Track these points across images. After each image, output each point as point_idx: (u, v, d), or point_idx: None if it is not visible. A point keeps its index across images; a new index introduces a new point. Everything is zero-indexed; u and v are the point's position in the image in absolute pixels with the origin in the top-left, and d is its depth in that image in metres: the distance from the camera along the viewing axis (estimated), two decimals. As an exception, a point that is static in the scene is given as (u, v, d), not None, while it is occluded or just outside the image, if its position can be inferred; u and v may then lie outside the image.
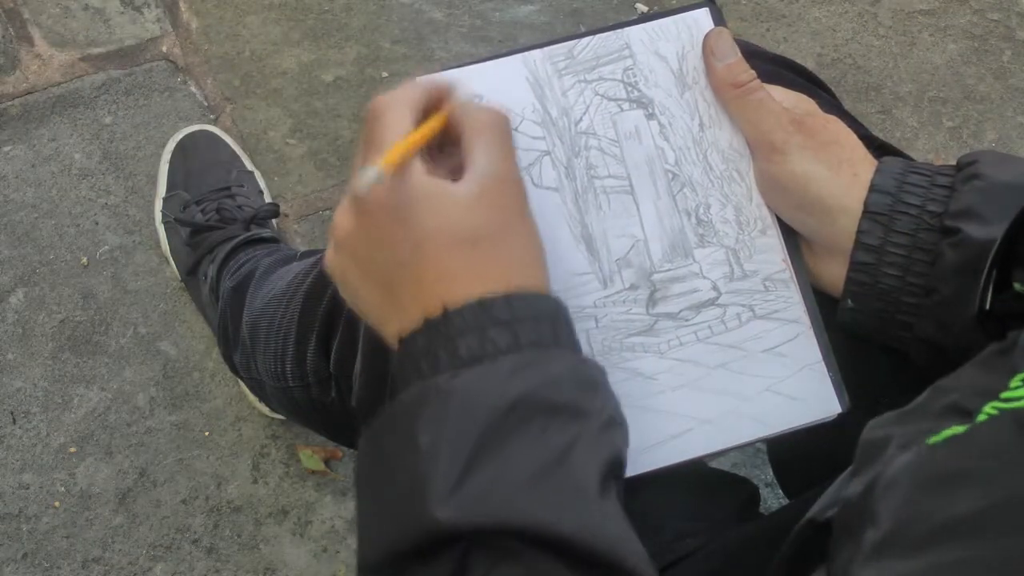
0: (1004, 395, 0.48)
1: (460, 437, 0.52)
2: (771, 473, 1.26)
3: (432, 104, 0.63)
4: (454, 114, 0.62)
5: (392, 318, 0.60)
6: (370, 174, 0.55)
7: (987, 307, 0.63)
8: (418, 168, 0.59)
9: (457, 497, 0.50)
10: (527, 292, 0.58)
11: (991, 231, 0.62)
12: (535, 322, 0.57)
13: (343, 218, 0.61)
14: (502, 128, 0.62)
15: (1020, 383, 0.48)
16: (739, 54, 0.72)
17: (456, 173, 0.60)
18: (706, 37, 0.73)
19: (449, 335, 0.56)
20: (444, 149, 0.64)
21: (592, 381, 0.57)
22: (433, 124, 0.61)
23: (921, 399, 0.54)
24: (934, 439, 0.47)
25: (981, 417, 0.47)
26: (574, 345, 0.60)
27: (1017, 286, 0.62)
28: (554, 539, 0.49)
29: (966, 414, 0.48)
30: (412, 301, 0.58)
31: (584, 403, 0.55)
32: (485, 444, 0.52)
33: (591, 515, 0.51)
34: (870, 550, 0.45)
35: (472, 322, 0.56)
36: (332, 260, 0.63)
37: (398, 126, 0.59)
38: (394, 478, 0.54)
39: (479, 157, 0.60)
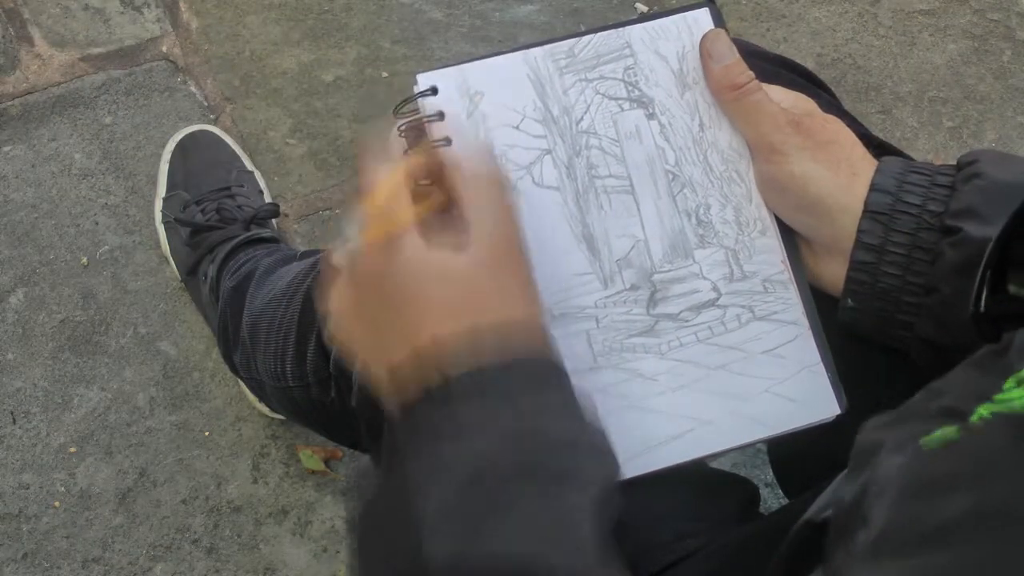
0: (998, 397, 0.47)
1: (461, 507, 0.52)
2: (771, 473, 1.26)
3: (431, 173, 0.63)
4: (452, 184, 0.62)
5: (394, 385, 0.60)
6: (347, 236, 0.56)
7: (982, 309, 0.63)
8: (415, 242, 0.59)
9: (457, 560, 0.51)
10: (526, 358, 0.58)
11: (991, 230, 0.62)
12: (535, 385, 0.57)
13: (339, 297, 0.63)
14: (499, 189, 0.63)
15: (1014, 384, 0.47)
16: (736, 55, 0.72)
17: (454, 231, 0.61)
18: (702, 39, 0.73)
19: (449, 401, 0.56)
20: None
21: (594, 446, 0.57)
22: (433, 202, 0.62)
23: (915, 400, 0.54)
24: (926, 441, 0.47)
25: (974, 419, 0.47)
26: (576, 407, 0.60)
27: (1012, 288, 0.62)
28: None
29: (959, 416, 0.48)
30: (412, 369, 0.58)
31: (586, 469, 0.55)
32: (487, 513, 0.52)
33: (591, 571, 0.51)
34: (862, 552, 0.45)
35: (471, 387, 0.56)
36: (336, 332, 0.64)
37: (391, 199, 0.60)
38: (395, 548, 0.54)
39: (478, 224, 0.60)
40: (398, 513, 0.54)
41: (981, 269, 0.61)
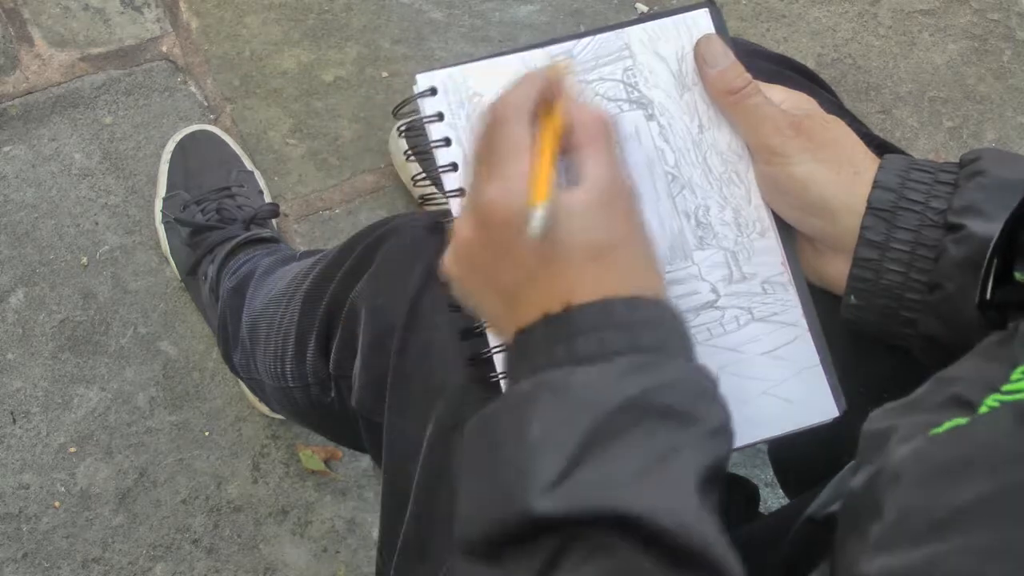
0: (1005, 387, 0.48)
1: (569, 432, 0.52)
2: (771, 473, 1.26)
3: (545, 103, 0.63)
4: (565, 120, 0.62)
5: (513, 321, 0.60)
6: (538, 219, 0.55)
7: (988, 297, 0.63)
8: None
9: (559, 490, 0.50)
10: (649, 298, 0.58)
11: (994, 227, 0.62)
12: (654, 327, 0.57)
13: (464, 228, 0.61)
14: (610, 135, 0.62)
15: (1021, 375, 0.48)
16: (732, 59, 0.72)
17: (568, 176, 0.60)
18: (696, 45, 0.72)
19: (569, 332, 0.56)
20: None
21: (704, 390, 0.57)
22: (554, 144, 0.61)
23: (923, 390, 0.54)
24: (936, 431, 0.48)
25: (983, 409, 0.47)
26: (690, 354, 0.60)
27: (1018, 275, 0.62)
28: (651, 531, 0.49)
29: (968, 406, 0.49)
30: (534, 306, 0.58)
31: (694, 410, 0.55)
32: (593, 441, 0.51)
33: (689, 513, 0.50)
34: (877, 542, 0.45)
35: (592, 322, 0.56)
36: (451, 268, 0.63)
37: (522, 140, 0.59)
38: (500, 464, 0.54)
39: (593, 167, 0.60)
40: (507, 429, 0.55)
41: (988, 257, 0.62)
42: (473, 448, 0.57)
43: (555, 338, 0.56)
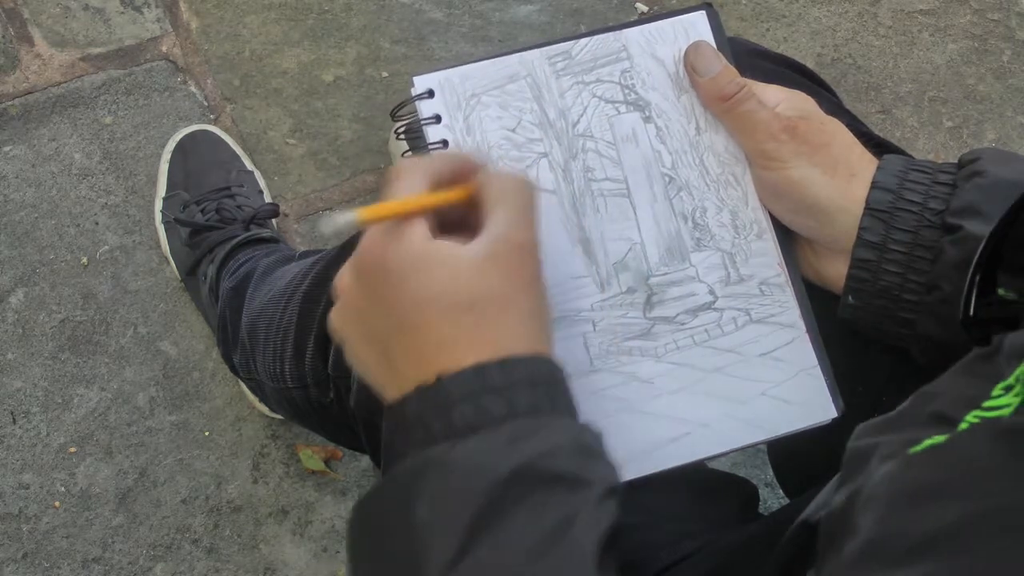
0: (986, 404, 0.47)
1: (458, 511, 0.51)
2: (771, 473, 1.26)
3: (459, 177, 0.61)
4: (478, 183, 0.61)
5: (390, 383, 0.59)
6: (344, 217, 0.55)
7: (971, 312, 0.62)
8: (419, 231, 0.57)
9: (454, 574, 0.49)
10: (522, 356, 0.57)
11: (992, 228, 0.62)
12: (531, 387, 0.56)
13: (345, 279, 0.61)
14: (525, 195, 0.61)
15: (1002, 391, 0.47)
16: (723, 64, 0.71)
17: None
18: (685, 54, 0.72)
19: (444, 403, 0.55)
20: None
21: (591, 449, 0.56)
22: (449, 194, 0.60)
23: (906, 405, 0.54)
24: (915, 449, 0.47)
25: (963, 426, 0.47)
26: (572, 409, 0.59)
27: (1002, 291, 0.62)
28: None
29: (949, 422, 0.48)
30: (408, 367, 0.57)
31: (584, 472, 0.54)
32: (483, 518, 0.50)
33: None
34: (850, 561, 0.45)
35: (467, 389, 0.55)
36: (335, 319, 0.62)
37: (407, 190, 0.59)
38: (390, 552, 0.53)
39: (494, 221, 0.58)
40: (393, 514, 0.54)
41: (971, 273, 0.61)
42: (358, 538, 0.56)
43: (431, 411, 0.55)
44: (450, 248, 0.57)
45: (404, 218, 0.57)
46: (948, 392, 0.52)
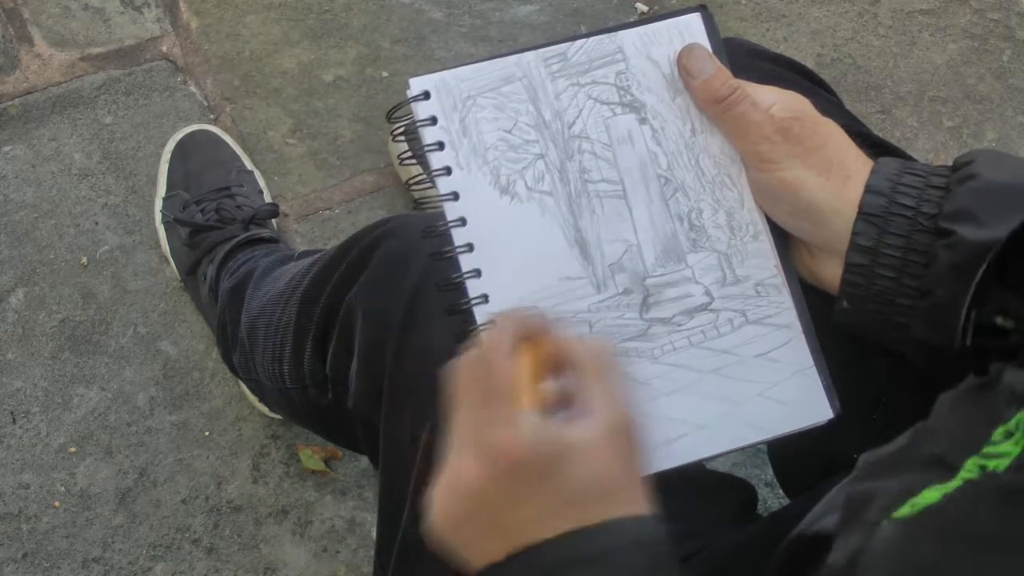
0: (986, 450, 0.47)
1: None
2: (771, 473, 1.26)
3: (530, 334, 0.61)
4: (562, 346, 0.60)
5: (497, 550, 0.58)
6: (530, 418, 0.54)
7: (968, 343, 0.62)
8: (541, 421, 0.57)
9: None
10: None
11: (985, 233, 0.61)
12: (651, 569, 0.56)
13: (467, 468, 0.58)
14: (615, 367, 0.60)
15: (1002, 437, 0.47)
16: (716, 67, 0.71)
17: (559, 405, 0.58)
18: (678, 58, 0.72)
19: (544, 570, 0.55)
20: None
21: None
22: (539, 368, 0.59)
23: (904, 443, 0.53)
24: (914, 505, 0.47)
25: (963, 475, 0.46)
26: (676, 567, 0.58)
27: (1000, 319, 0.62)
28: None
29: (948, 468, 0.48)
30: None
31: None
32: None
33: None
34: None
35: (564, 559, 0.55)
36: (445, 506, 0.59)
37: (517, 377, 0.58)
38: None
39: (600, 401, 0.58)
40: None
41: (966, 306, 0.61)
42: None
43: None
44: (577, 432, 0.56)
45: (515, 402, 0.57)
46: (946, 432, 0.51)
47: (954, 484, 0.46)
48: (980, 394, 0.51)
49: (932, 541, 0.45)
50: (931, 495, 0.46)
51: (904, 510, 0.47)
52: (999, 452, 0.46)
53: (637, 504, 0.57)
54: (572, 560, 0.54)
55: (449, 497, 0.59)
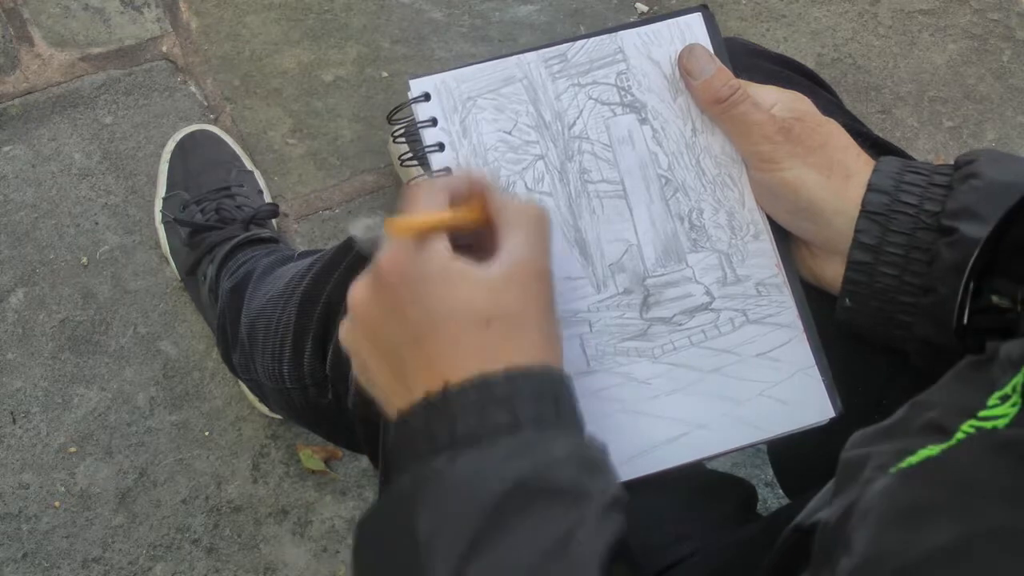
0: (982, 413, 0.47)
1: (459, 525, 0.51)
2: (771, 473, 1.26)
3: (473, 197, 0.63)
4: (494, 206, 0.62)
5: (398, 395, 0.59)
6: (372, 220, 0.56)
7: (965, 321, 0.62)
8: (442, 247, 0.58)
9: None
10: (530, 368, 0.57)
11: (987, 230, 0.61)
12: (536, 399, 0.56)
13: (361, 290, 0.61)
14: (542, 223, 0.62)
15: (998, 401, 0.47)
16: (717, 67, 0.71)
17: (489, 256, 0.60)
18: (679, 58, 0.72)
19: (448, 413, 0.55)
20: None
21: (594, 461, 0.56)
22: (470, 214, 0.61)
23: (900, 414, 0.53)
24: (909, 461, 0.47)
25: (958, 435, 0.47)
26: (577, 423, 0.59)
27: (996, 298, 0.62)
28: None
29: (943, 432, 0.48)
30: (418, 378, 0.57)
31: (586, 485, 0.54)
32: (485, 531, 0.50)
33: None
34: None
35: (471, 400, 0.55)
36: (347, 333, 0.63)
37: (429, 207, 0.60)
38: (393, 567, 0.53)
39: (512, 244, 0.59)
40: (395, 529, 0.54)
41: (964, 280, 0.61)
42: (362, 552, 0.56)
43: (435, 422, 0.55)
44: (469, 266, 0.58)
45: (426, 234, 0.58)
46: (942, 401, 0.51)
47: (951, 444, 0.46)
48: (976, 369, 0.51)
49: (927, 486, 0.45)
50: (928, 451, 0.46)
51: (900, 466, 0.47)
52: (995, 415, 0.46)
53: (523, 343, 0.58)
54: (484, 401, 0.55)
55: (348, 325, 0.62)
